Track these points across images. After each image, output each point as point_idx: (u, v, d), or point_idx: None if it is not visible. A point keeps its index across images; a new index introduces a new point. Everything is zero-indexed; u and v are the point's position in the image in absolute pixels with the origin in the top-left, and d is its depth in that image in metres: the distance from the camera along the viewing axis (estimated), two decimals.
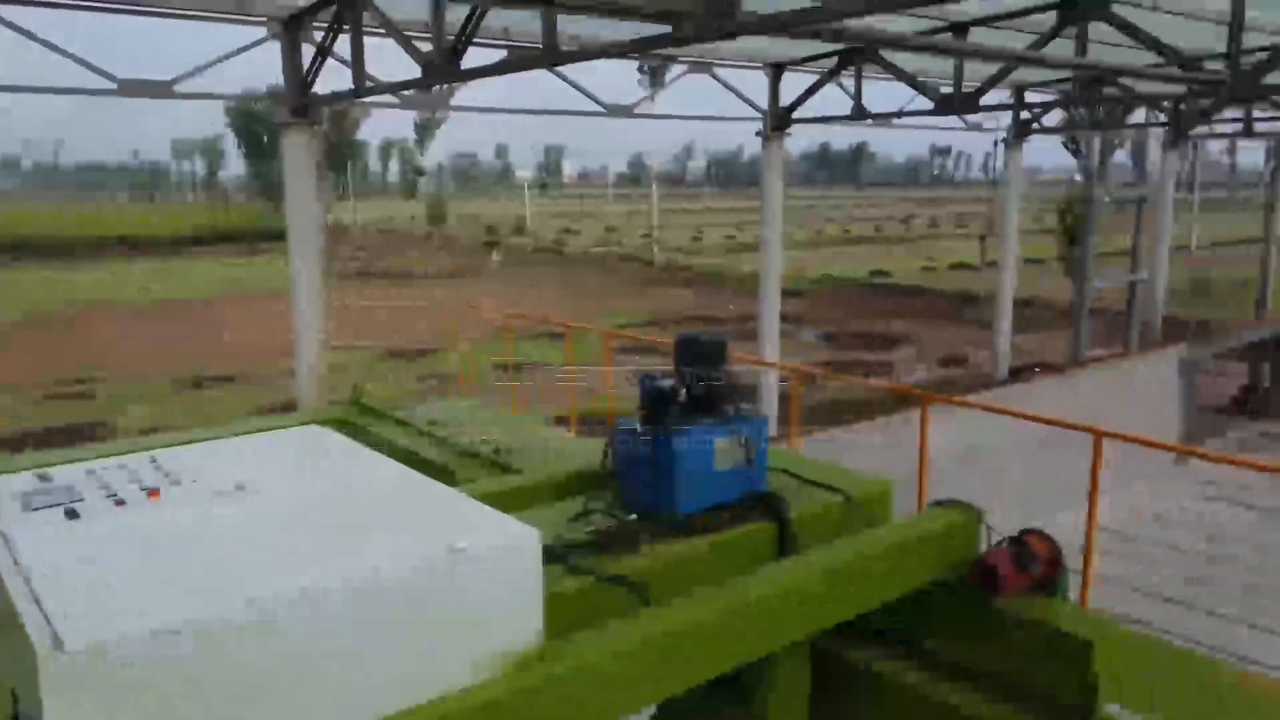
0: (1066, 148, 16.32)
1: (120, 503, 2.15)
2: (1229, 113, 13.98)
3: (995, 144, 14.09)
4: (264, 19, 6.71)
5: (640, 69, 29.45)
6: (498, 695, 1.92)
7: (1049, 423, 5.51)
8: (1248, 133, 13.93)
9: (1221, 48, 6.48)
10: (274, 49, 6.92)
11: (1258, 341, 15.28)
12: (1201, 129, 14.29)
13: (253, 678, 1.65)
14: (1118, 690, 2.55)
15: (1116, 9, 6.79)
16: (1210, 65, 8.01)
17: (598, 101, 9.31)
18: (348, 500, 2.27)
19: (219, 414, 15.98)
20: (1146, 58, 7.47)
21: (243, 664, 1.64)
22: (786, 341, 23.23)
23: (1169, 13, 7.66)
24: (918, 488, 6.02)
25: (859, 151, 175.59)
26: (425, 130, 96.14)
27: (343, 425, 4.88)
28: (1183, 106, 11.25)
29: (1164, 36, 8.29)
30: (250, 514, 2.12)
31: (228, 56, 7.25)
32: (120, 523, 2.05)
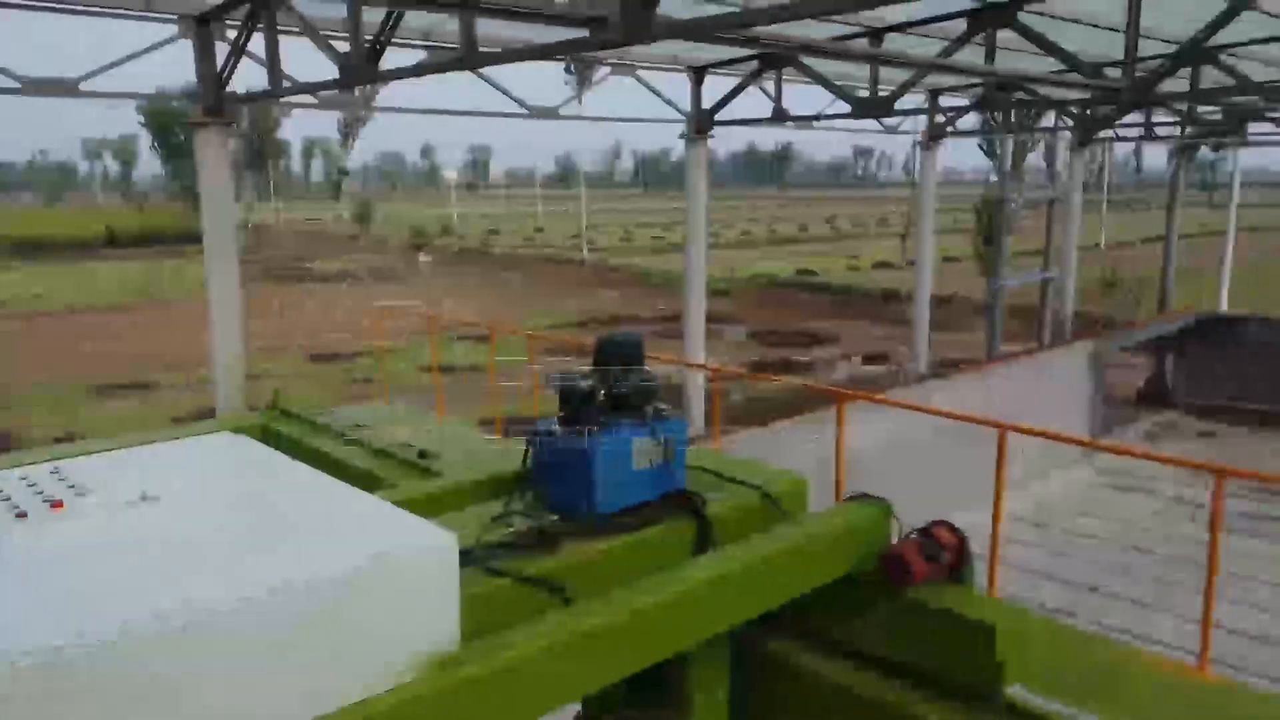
0: (982, 150, 16.72)
1: (21, 515, 2.09)
2: (1133, 117, 14.59)
3: (913, 146, 14.64)
4: (175, 17, 6.55)
5: (567, 69, 29.43)
6: (415, 697, 1.92)
7: (957, 418, 5.70)
8: (1149, 136, 14.56)
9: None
10: (188, 47, 6.76)
11: (1161, 336, 15.96)
12: (1107, 133, 14.86)
13: (161, 691, 1.64)
14: (1021, 672, 2.66)
15: (1023, 17, 7.04)
16: (1111, 72, 8.38)
17: (521, 103, 9.30)
18: (261, 508, 2.25)
19: (132, 423, 15.50)
20: (1053, 64, 7.78)
21: (147, 679, 1.62)
22: (715, 341, 23.54)
23: (1073, 21, 7.97)
24: (835, 484, 6.16)
25: (784, 153, 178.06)
26: (349, 130, 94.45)
27: (263, 431, 4.80)
28: (1088, 112, 11.70)
29: (1073, 44, 8.63)
30: (160, 525, 2.09)
31: (136, 55, 7.04)
32: (21, 536, 2.00)
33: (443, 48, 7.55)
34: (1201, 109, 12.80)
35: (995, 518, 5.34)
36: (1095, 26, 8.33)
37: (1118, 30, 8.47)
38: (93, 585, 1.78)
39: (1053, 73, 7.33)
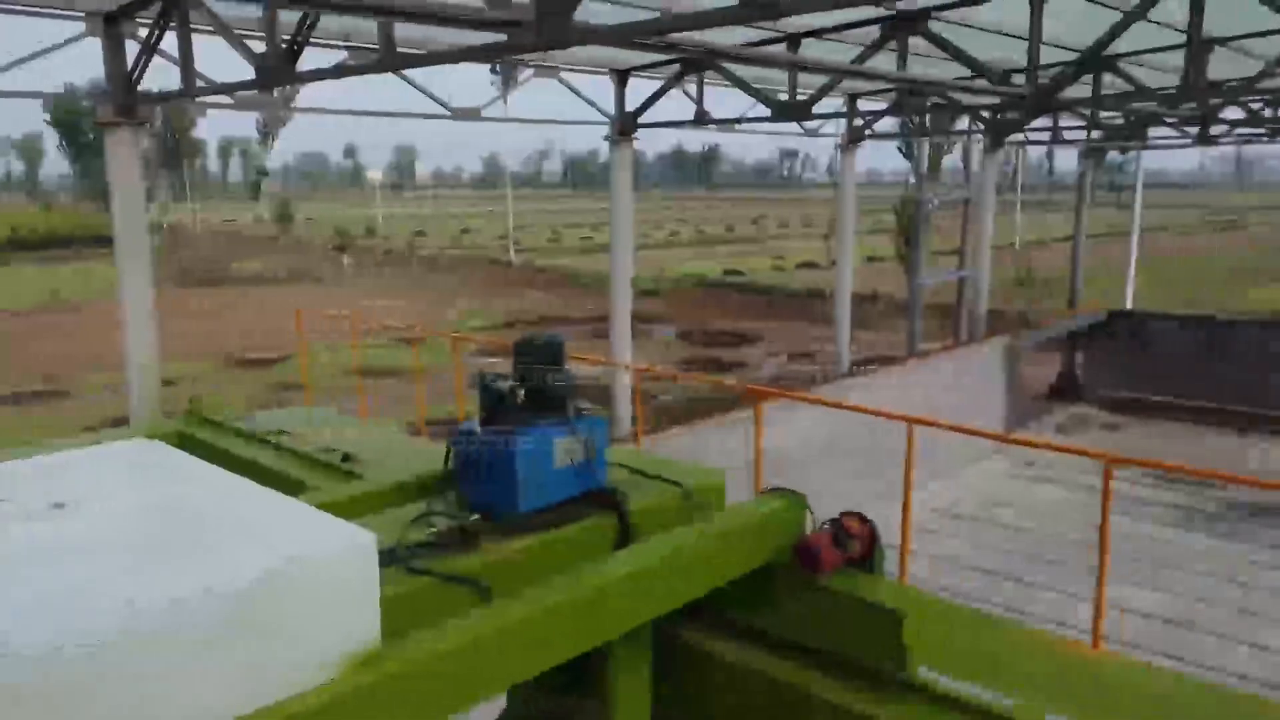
0: (901, 152, 17.12)
1: None
2: (1042, 121, 15.15)
3: (835, 148, 14.97)
4: (82, 14, 6.36)
5: (492, 70, 29.27)
6: (337, 695, 1.95)
7: (868, 413, 5.88)
8: (1057, 140, 15.14)
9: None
10: (97, 44, 6.57)
11: (1071, 332, 16.60)
12: (1017, 136, 15.40)
13: (81, 697, 1.64)
14: (927, 654, 2.79)
15: (934, 26, 7.29)
16: (1019, 79, 8.71)
17: (444, 104, 9.26)
18: (177, 514, 2.24)
19: (42, 432, 14.96)
20: (965, 71, 8.06)
21: (67, 686, 1.62)
22: (645, 341, 23.69)
23: (982, 30, 8.26)
24: (754, 478, 6.30)
25: (711, 154, 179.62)
26: (268, 129, 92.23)
27: (180, 438, 4.72)
28: (998, 116, 12.11)
29: (984, 51, 8.92)
30: (72, 533, 2.07)
31: (41, 53, 6.83)
32: None
33: (363, 48, 7.49)
34: (1105, 114, 13.36)
35: (905, 506, 5.53)
36: (1003, 35, 8.64)
37: (1025, 39, 8.84)
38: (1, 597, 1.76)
39: (959, 79, 7.59)
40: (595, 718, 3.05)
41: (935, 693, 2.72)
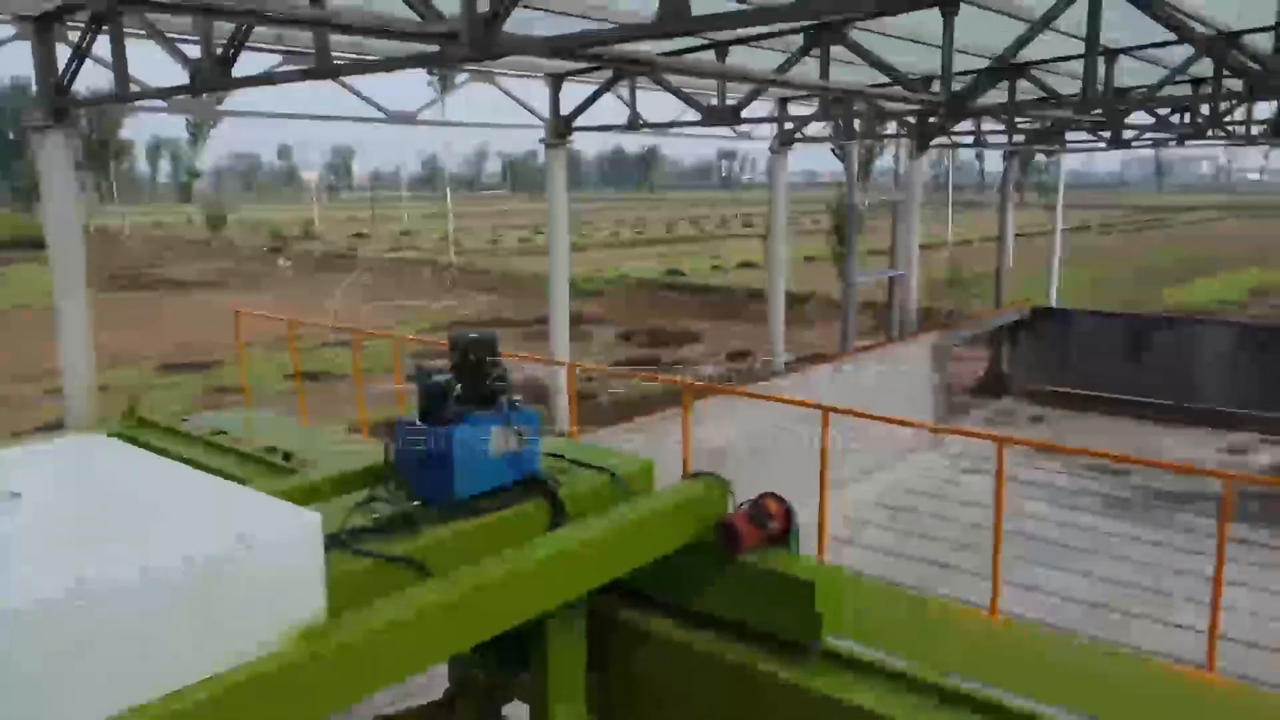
0: (835, 155, 17.59)
1: None
2: (967, 125, 15.68)
3: (768, 151, 15.27)
4: (9, 17, 6.32)
5: (429, 73, 29.16)
6: (285, 663, 2.11)
7: (785, 402, 6.15)
8: (980, 144, 15.69)
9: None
10: (22, 47, 6.54)
11: (997, 328, 17.18)
12: (943, 139, 15.91)
13: (49, 662, 1.77)
14: (837, 622, 3.03)
15: (856, 35, 7.59)
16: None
17: (380, 108, 9.32)
18: (132, 500, 2.37)
19: None
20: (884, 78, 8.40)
21: (38, 652, 1.76)
22: (586, 342, 23.84)
23: (900, 38, 8.61)
24: (682, 467, 6.54)
25: (649, 156, 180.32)
26: (199, 130, 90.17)
27: (121, 441, 4.78)
28: (923, 120, 12.55)
29: (908, 59, 9.26)
30: (30, 519, 2.19)
31: None
32: None
33: (297, 52, 7.54)
34: (1021, 119, 13.92)
35: (822, 485, 5.82)
36: (921, 44, 9.00)
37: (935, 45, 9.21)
38: None
39: (876, 86, 7.92)
40: (534, 690, 3.24)
41: (843, 658, 2.96)
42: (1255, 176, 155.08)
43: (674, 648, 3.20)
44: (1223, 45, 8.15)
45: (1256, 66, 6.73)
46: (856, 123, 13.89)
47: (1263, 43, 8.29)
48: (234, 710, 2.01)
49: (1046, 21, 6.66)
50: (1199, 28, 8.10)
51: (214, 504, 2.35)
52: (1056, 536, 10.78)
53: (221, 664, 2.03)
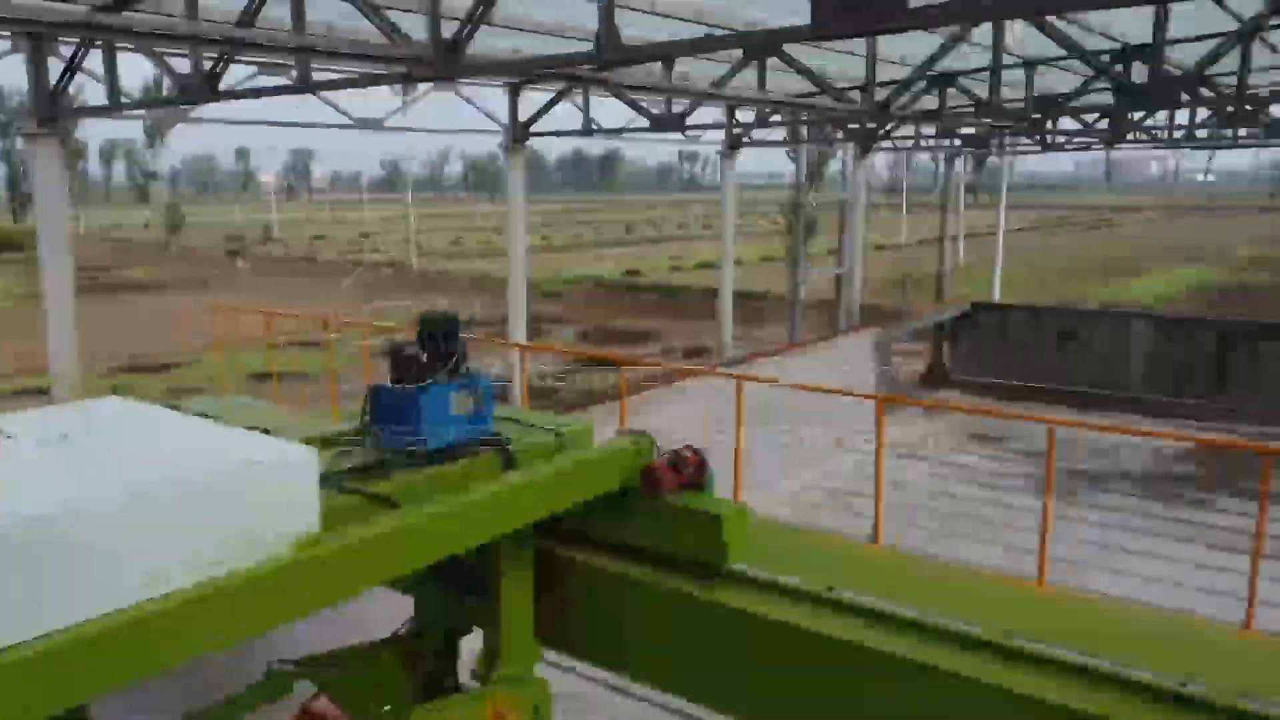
0: (790, 157, 18.30)
1: None
2: (908, 130, 16.49)
3: (717, 154, 15.97)
4: (8, 33, 6.76)
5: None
6: (285, 567, 2.68)
7: (705, 372, 6.75)
8: (918, 147, 16.50)
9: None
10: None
11: (939, 323, 18.03)
12: (886, 143, 16.72)
13: (96, 555, 2.33)
14: (741, 551, 3.65)
15: (788, 48, 8.26)
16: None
17: (347, 115, 9.82)
18: (158, 435, 2.94)
19: None
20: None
21: (87, 545, 2.31)
22: (545, 340, 24.35)
23: (835, 50, 9.30)
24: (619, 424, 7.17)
25: (610, 158, 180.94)
26: (156, 132, 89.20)
27: None
28: (863, 126, 13.30)
29: (843, 68, 9.93)
30: (84, 449, 2.75)
31: None
32: None
33: (275, 64, 8.03)
34: (958, 124, 14.73)
35: (738, 430, 6.43)
36: (859, 55, 9.70)
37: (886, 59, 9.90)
38: (32, 480, 2.46)
39: (803, 95, 8.59)
40: (489, 618, 3.83)
41: (745, 578, 3.59)
42: (1200, 178, 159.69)
43: (607, 577, 3.80)
44: (1127, 59, 8.92)
45: (1136, 82, 7.48)
46: (805, 129, 14.62)
47: (1175, 55, 9.06)
48: (239, 603, 2.57)
49: (962, 35, 7.38)
50: (1108, 42, 8.90)
51: (229, 439, 2.93)
52: (985, 515, 11.56)
53: (233, 565, 2.60)
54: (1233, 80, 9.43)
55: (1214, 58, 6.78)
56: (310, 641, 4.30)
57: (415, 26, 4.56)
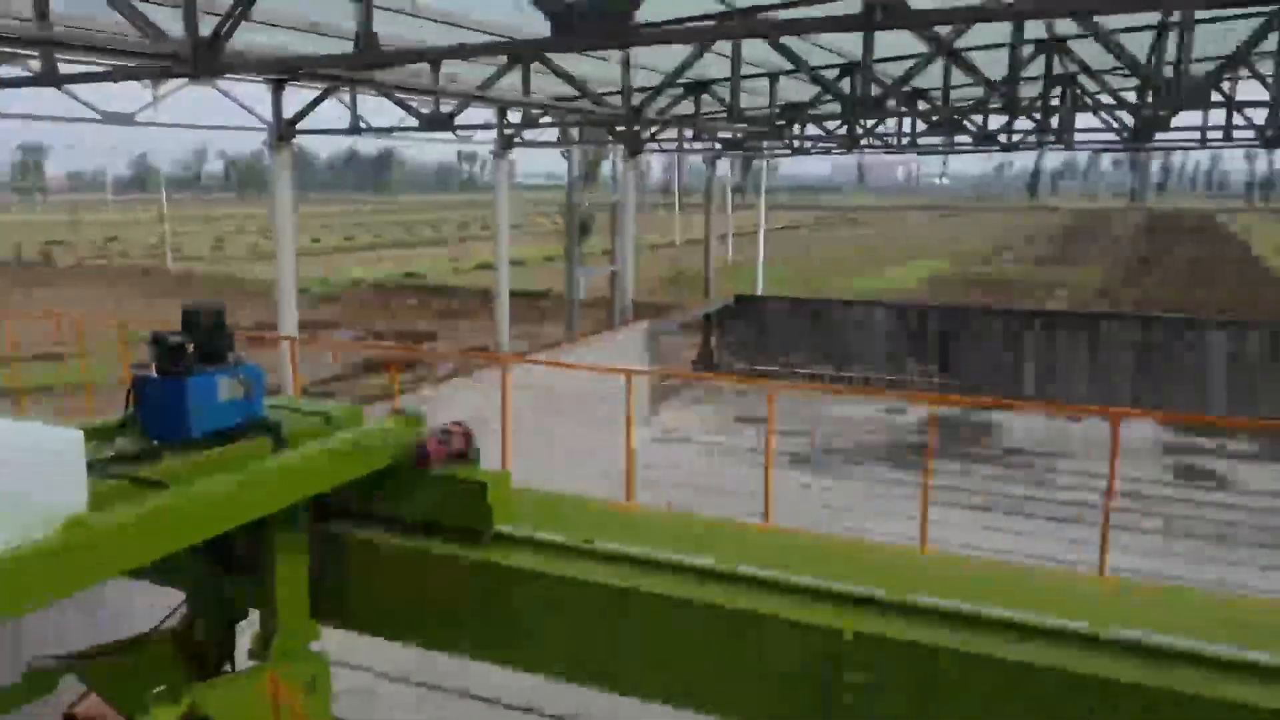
0: (565, 157, 18.72)
1: None
2: (673, 133, 17.42)
3: (490, 154, 16.29)
4: None
5: None
6: (50, 547, 2.77)
7: (466, 354, 7.09)
8: (683, 150, 17.49)
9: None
10: None
11: (706, 315, 19.18)
12: (653, 145, 17.58)
13: None
14: (505, 515, 4.01)
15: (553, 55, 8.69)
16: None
17: (93, 108, 9.30)
18: None
19: None
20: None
21: None
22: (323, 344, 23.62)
23: (593, 56, 9.83)
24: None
25: (385, 157, 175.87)
26: None
27: None
28: (629, 128, 13.99)
29: (604, 75, 10.46)
30: None
31: None
32: None
33: (18, 55, 7.54)
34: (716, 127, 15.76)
35: (504, 418, 6.81)
36: (609, 62, 10.28)
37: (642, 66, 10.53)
38: None
39: (564, 98, 9.08)
40: (263, 598, 3.98)
41: (508, 538, 3.96)
42: (937, 180, 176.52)
43: (382, 550, 4.05)
44: (852, 72, 10.03)
45: (848, 93, 8.50)
46: (576, 130, 15.14)
47: (893, 69, 10.23)
48: (2, 583, 2.65)
49: (700, 52, 8.07)
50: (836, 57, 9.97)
51: None
52: (752, 491, 12.53)
53: (7, 544, 2.67)
54: (939, 94, 10.83)
55: (908, 76, 7.83)
56: (76, 641, 4.27)
57: (171, 19, 4.58)
